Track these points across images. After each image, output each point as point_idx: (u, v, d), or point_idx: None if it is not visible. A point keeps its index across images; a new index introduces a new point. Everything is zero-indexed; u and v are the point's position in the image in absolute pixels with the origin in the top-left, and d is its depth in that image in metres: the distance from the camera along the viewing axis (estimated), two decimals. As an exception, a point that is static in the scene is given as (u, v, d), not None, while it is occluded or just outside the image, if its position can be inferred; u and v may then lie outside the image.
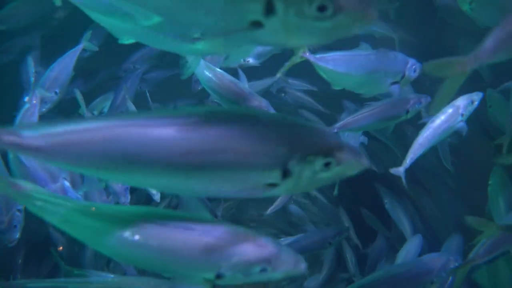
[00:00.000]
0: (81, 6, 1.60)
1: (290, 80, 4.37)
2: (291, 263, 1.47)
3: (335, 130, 2.81)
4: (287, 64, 2.61)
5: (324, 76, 2.63)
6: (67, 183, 2.72)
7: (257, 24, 1.12)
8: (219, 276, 1.44)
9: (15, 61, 3.81)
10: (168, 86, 4.49)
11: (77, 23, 3.46)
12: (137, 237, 1.41)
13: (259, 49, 3.70)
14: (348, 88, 2.65)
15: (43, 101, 3.22)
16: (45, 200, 1.41)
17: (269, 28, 1.12)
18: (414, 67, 2.68)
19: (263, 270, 1.44)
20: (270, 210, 4.23)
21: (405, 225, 4.02)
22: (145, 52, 4.35)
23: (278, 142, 1.28)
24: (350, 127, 2.84)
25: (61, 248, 2.64)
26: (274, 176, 1.29)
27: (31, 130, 1.27)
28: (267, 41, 1.26)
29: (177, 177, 1.30)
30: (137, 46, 4.25)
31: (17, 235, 2.86)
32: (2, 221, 2.79)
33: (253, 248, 1.44)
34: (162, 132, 1.26)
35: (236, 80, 2.78)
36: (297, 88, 4.55)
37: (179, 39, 1.43)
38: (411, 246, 3.46)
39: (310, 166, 1.29)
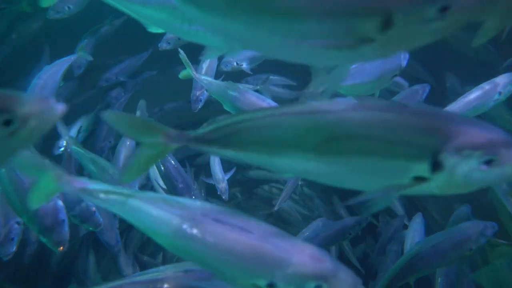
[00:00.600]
0: None
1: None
2: (348, 284, 1.33)
3: None
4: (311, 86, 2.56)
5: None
6: (60, 203, 2.60)
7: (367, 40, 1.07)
8: (270, 286, 1.35)
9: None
10: (153, 89, 4.41)
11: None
12: (194, 230, 1.39)
13: (251, 53, 3.73)
14: (359, 94, 2.72)
15: None
16: (106, 191, 1.47)
17: (380, 42, 1.07)
18: (404, 56, 2.75)
19: (318, 286, 1.32)
20: (277, 205, 4.28)
21: (397, 205, 4.17)
22: (128, 65, 4.31)
23: (428, 130, 1.19)
24: None
25: (61, 248, 2.56)
26: (422, 168, 1.19)
27: (202, 129, 1.41)
28: (375, 55, 1.22)
29: (323, 163, 1.28)
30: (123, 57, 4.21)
31: (14, 249, 2.74)
32: None
33: (311, 262, 1.34)
34: None
35: (262, 96, 2.78)
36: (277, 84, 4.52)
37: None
38: (417, 225, 3.45)
39: (467, 161, 1.17)
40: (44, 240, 2.54)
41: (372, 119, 1.23)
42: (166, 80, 4.41)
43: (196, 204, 1.47)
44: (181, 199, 1.49)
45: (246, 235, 1.37)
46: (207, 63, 3.50)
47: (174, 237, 1.42)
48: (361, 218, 3.89)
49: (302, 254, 1.35)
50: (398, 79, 2.77)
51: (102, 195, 1.47)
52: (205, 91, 3.51)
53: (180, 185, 3.06)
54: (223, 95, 2.74)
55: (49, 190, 1.47)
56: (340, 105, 1.27)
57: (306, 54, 1.17)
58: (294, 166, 1.36)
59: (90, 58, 3.56)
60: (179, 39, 3.47)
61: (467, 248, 2.63)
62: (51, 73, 3.36)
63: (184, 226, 1.40)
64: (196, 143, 1.41)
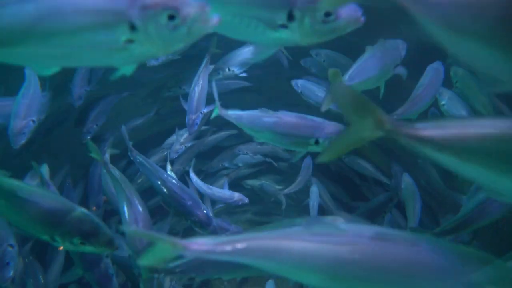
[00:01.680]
0: None
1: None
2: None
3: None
4: (326, 100, 2.51)
5: None
6: None
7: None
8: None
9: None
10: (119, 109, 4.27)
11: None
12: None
13: (242, 59, 3.76)
14: (367, 88, 2.69)
15: (20, 132, 2.95)
16: (228, 242, 1.32)
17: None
18: (403, 46, 2.81)
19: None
20: (288, 189, 4.26)
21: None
22: (101, 108, 4.09)
23: None
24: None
25: (61, 248, 2.44)
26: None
27: (421, 123, 1.29)
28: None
29: None
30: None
31: (11, 274, 2.57)
32: None
33: None
34: None
35: (300, 114, 2.55)
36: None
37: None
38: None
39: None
40: None
41: None
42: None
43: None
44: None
45: None
46: (199, 86, 3.48)
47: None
48: (392, 194, 3.94)
49: None
50: (400, 68, 2.79)
51: (228, 248, 1.30)
52: (200, 114, 3.48)
53: (189, 203, 2.92)
54: (257, 125, 2.53)
55: (165, 255, 1.32)
56: None
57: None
58: None
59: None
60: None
61: None
62: (34, 89, 3.19)
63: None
64: (409, 138, 1.27)
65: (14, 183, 2.13)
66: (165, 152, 4.26)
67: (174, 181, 3.03)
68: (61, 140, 3.99)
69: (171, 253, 1.29)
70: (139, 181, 4.12)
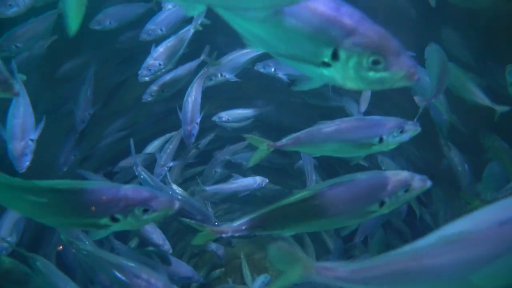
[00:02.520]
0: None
1: None
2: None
3: None
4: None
5: None
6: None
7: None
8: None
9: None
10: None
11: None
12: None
13: (234, 64, 3.80)
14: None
15: (22, 154, 2.89)
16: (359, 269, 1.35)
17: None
18: None
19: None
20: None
21: None
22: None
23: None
24: None
25: (60, 247, 2.51)
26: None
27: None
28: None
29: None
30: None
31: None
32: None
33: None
34: None
35: (354, 117, 2.65)
36: None
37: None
38: None
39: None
40: None
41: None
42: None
43: None
44: None
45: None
46: (193, 96, 3.51)
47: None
48: None
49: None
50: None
51: (363, 275, 1.32)
52: (195, 125, 3.50)
53: (198, 217, 2.93)
54: (318, 139, 2.38)
55: (294, 278, 1.44)
56: None
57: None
58: None
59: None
60: (162, 91, 3.56)
61: None
62: (24, 108, 3.07)
63: None
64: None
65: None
66: None
67: (180, 196, 3.06)
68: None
69: (300, 277, 1.41)
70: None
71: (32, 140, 2.95)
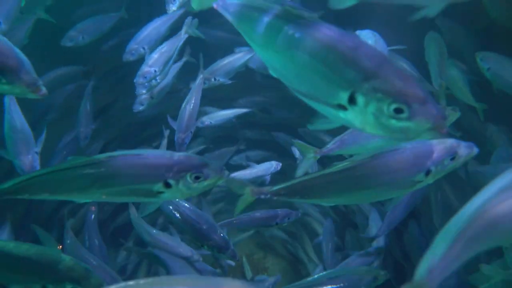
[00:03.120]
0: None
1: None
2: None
3: None
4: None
5: None
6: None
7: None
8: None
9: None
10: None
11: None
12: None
13: (227, 68, 3.78)
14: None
15: (32, 168, 2.89)
16: None
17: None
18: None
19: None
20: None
21: None
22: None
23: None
24: None
25: (60, 247, 2.52)
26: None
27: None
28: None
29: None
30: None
31: None
32: None
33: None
34: None
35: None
36: None
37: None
38: None
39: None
40: None
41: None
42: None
43: None
44: None
45: None
46: (191, 104, 3.48)
47: None
48: None
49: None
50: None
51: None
52: (190, 133, 3.46)
53: (204, 227, 2.90)
54: None
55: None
56: None
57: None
58: None
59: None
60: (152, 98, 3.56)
61: None
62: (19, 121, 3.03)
63: None
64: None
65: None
66: None
67: (186, 205, 2.99)
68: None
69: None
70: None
71: (37, 152, 2.94)
